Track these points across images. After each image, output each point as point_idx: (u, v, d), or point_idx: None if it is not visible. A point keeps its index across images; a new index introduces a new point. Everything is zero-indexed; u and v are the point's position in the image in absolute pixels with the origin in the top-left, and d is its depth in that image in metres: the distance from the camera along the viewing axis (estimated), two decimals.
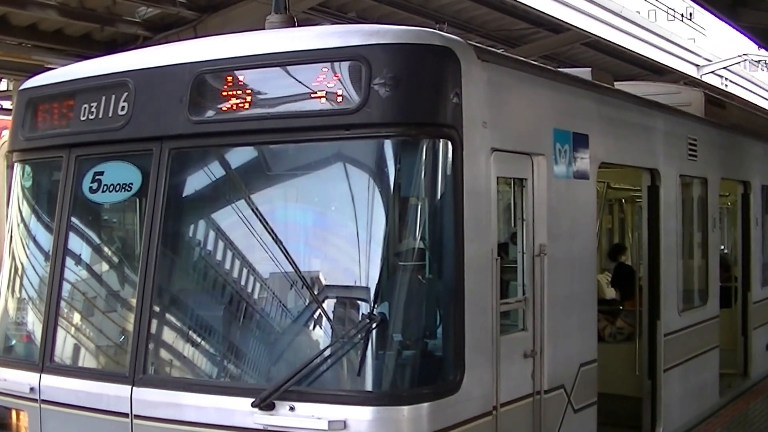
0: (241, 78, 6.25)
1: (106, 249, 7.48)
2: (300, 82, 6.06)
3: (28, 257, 7.58)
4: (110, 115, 6.74)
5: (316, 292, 6.12)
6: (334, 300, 6.12)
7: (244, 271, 6.49)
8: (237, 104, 6.23)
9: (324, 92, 5.95)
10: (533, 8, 21.04)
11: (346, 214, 6.20)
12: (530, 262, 7.04)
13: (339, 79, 5.93)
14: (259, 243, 6.24)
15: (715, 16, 13.88)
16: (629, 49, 27.05)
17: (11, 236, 7.59)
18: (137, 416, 6.27)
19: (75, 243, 7.15)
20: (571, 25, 22.97)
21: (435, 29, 6.52)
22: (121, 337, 6.83)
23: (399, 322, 5.93)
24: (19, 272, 7.56)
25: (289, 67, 6.16)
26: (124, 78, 6.73)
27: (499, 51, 7.52)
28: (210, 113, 6.39)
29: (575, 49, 25.59)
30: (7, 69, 20.01)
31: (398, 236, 6.06)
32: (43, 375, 6.78)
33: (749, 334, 12.84)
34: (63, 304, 7.00)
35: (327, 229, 6.38)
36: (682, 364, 9.88)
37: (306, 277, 6.15)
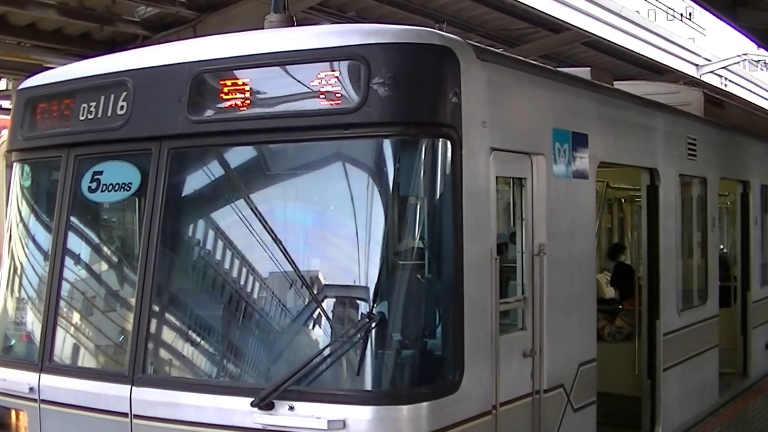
0: (240, 77, 6.25)
1: (105, 249, 7.47)
2: (299, 81, 6.06)
3: (27, 257, 7.58)
4: (109, 114, 6.74)
5: (315, 292, 6.12)
6: (334, 299, 6.12)
7: (244, 270, 6.49)
8: (236, 104, 6.23)
9: (323, 92, 5.95)
10: (533, 8, 21.03)
11: (345, 214, 6.20)
12: (529, 261, 7.05)
13: (338, 79, 5.93)
14: (258, 242, 6.23)
15: (715, 15, 13.88)
16: (629, 49, 27.04)
17: (10, 236, 7.58)
18: (136, 416, 6.26)
19: (74, 243, 7.15)
20: (571, 24, 22.96)
21: (435, 29, 6.52)
22: (120, 336, 6.83)
23: (398, 322, 5.93)
24: (19, 272, 7.56)
25: (288, 67, 6.15)
26: (123, 77, 6.73)
27: (498, 50, 7.51)
28: (209, 113, 6.39)
29: (575, 49, 25.59)
30: (6, 68, 19.99)
31: (397, 236, 6.06)
32: (42, 375, 6.78)
33: (748, 334, 12.84)
34: (62, 303, 7.00)
35: (326, 229, 6.38)
36: (682, 363, 9.89)
37: (305, 277, 6.15)
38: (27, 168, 7.61)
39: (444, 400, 5.92)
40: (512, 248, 7.27)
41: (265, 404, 5.75)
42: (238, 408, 5.87)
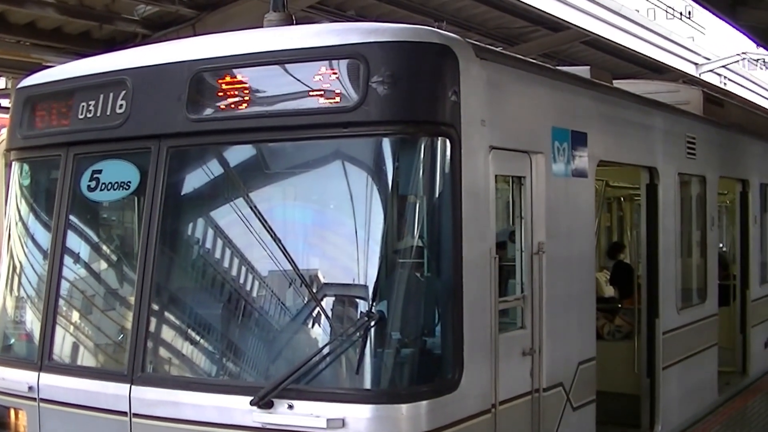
0: (239, 76, 6.25)
1: (104, 247, 7.47)
2: (298, 80, 6.06)
3: (26, 256, 7.58)
4: (108, 113, 6.73)
5: (314, 291, 6.12)
6: (333, 298, 6.12)
7: (243, 269, 6.49)
8: (235, 102, 6.23)
9: (322, 90, 5.95)
10: (532, 6, 21.01)
11: (344, 213, 6.20)
12: (529, 260, 7.04)
13: (337, 77, 5.93)
14: (257, 241, 6.23)
15: (714, 14, 13.88)
16: (628, 48, 27.04)
17: (9, 235, 7.58)
18: (136, 415, 6.26)
19: (73, 241, 7.15)
20: (571, 23, 22.95)
21: (434, 27, 6.51)
22: (119, 335, 6.83)
23: (397, 321, 5.93)
24: (18, 271, 7.56)
25: (287, 65, 6.15)
26: (122, 76, 6.73)
27: (497, 49, 7.51)
28: (208, 111, 6.38)
29: (574, 48, 25.58)
30: (5, 67, 19.97)
31: (396, 234, 6.06)
32: (41, 374, 6.77)
33: (747, 332, 12.85)
34: (61, 302, 7.00)
35: (325, 228, 6.38)
36: (681, 362, 9.89)
37: (304, 276, 6.15)
38: (26, 167, 7.61)
39: (443, 398, 5.91)
40: (511, 247, 7.26)
41: (264, 403, 5.75)
42: (238, 407, 5.87)
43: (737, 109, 13.75)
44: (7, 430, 6.95)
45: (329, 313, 6.05)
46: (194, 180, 6.78)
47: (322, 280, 6.20)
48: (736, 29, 14.56)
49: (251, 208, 6.29)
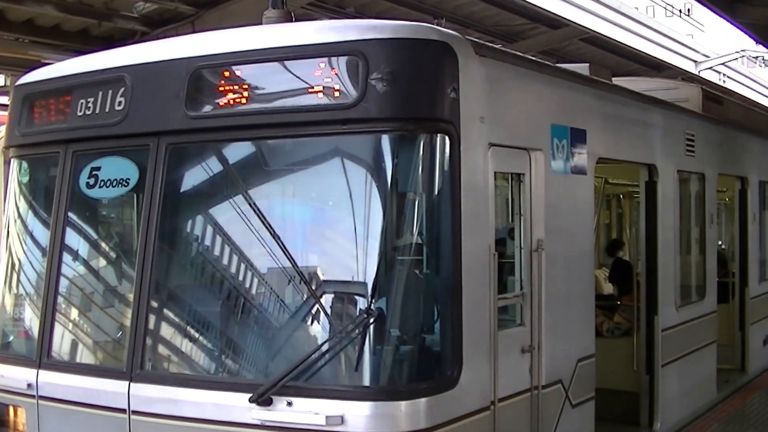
0: (238, 73, 6.25)
1: (103, 244, 7.47)
2: (297, 76, 6.05)
3: (25, 253, 7.57)
4: (107, 110, 6.73)
5: (313, 288, 6.12)
6: (332, 295, 6.12)
7: (242, 266, 6.49)
8: (234, 99, 6.22)
9: (321, 87, 5.94)
10: (532, 4, 21.00)
11: (343, 210, 6.20)
12: (528, 257, 7.04)
13: (336, 74, 5.93)
14: (256, 238, 6.23)
15: (714, 12, 13.89)
16: (627, 45, 27.04)
17: (8, 232, 7.58)
18: (135, 412, 6.26)
19: (72, 239, 7.14)
20: (570, 20, 22.94)
21: (433, 24, 6.51)
22: (118, 332, 6.83)
23: (396, 318, 5.93)
24: (16, 268, 7.55)
25: (286, 62, 6.15)
26: (121, 73, 6.72)
27: (497, 46, 7.51)
28: (207, 108, 6.38)
29: (573, 45, 25.56)
30: (4, 64, 19.95)
31: (396, 231, 6.06)
32: (40, 371, 6.77)
33: (746, 330, 12.86)
34: (60, 300, 6.99)
35: (324, 225, 6.37)
36: (680, 359, 9.90)
37: (303, 273, 6.15)
38: (25, 164, 7.60)
39: (442, 395, 5.91)
40: (510, 244, 7.26)
41: (263, 400, 5.75)
42: (237, 404, 5.87)
43: (736, 106, 13.75)
44: (6, 427, 6.95)
45: (328, 310, 6.05)
46: (193, 177, 6.77)
47: (321, 277, 6.19)
48: (735, 26, 14.57)
49: (250, 205, 6.28)
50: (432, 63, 6.09)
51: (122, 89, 6.66)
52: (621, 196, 16.14)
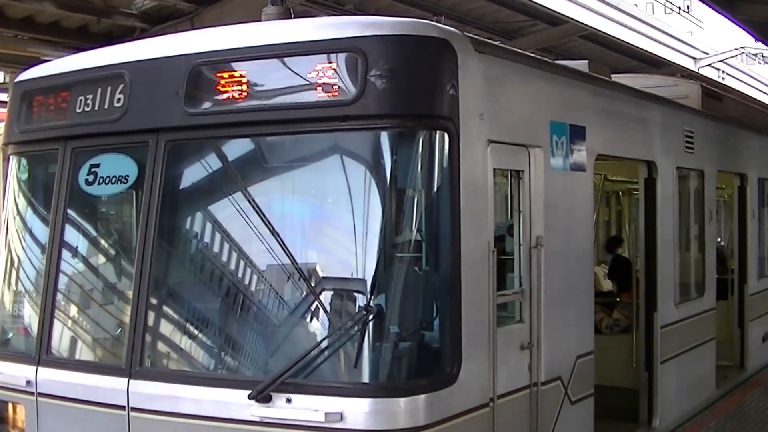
0: (237, 70, 6.24)
1: (102, 241, 7.47)
2: (296, 73, 6.05)
3: (24, 250, 7.57)
4: (106, 107, 6.72)
5: (313, 284, 6.11)
6: (331, 292, 6.12)
7: (241, 263, 6.49)
8: (233, 96, 6.22)
9: (320, 84, 5.94)
10: (531, 1, 21.01)
11: (342, 206, 6.19)
12: (527, 254, 7.04)
13: (335, 71, 5.92)
14: (255, 235, 6.23)
15: (713, 9, 13.89)
16: (627, 42, 27.06)
17: (7, 229, 7.58)
18: (134, 409, 6.26)
19: (71, 235, 7.14)
20: (569, 17, 22.96)
21: (432, 21, 6.50)
22: (117, 329, 6.82)
23: (396, 314, 5.93)
24: (16, 265, 7.55)
25: (285, 59, 6.14)
26: (120, 70, 6.71)
27: (496, 43, 7.50)
28: (206, 105, 6.37)
29: (573, 42, 25.58)
30: (2, 61, 19.98)
31: (395, 228, 6.06)
32: (39, 368, 6.77)
33: (745, 326, 12.86)
34: (59, 296, 6.99)
35: (323, 221, 6.37)
36: (679, 356, 9.90)
37: (303, 269, 6.14)
38: (24, 161, 7.60)
39: (441, 392, 5.91)
40: (510, 241, 7.26)
41: (262, 397, 5.75)
42: (236, 401, 5.87)
43: (735, 103, 13.75)
44: (5, 424, 6.95)
45: (327, 307, 6.04)
46: (192, 174, 6.77)
47: (321, 274, 6.19)
48: (735, 23, 14.56)
49: (249, 202, 6.28)
50: (431, 60, 6.09)
51: (121, 86, 6.66)
52: (620, 193, 16.13)
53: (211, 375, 6.30)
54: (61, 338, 7.02)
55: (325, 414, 5.64)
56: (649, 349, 9.45)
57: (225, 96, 6.24)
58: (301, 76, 6.02)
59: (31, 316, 7.22)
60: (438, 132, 6.04)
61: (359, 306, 5.89)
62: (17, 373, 6.86)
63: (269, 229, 6.14)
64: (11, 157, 7.61)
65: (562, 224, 7.50)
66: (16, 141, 7.51)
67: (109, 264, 7.33)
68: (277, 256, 6.14)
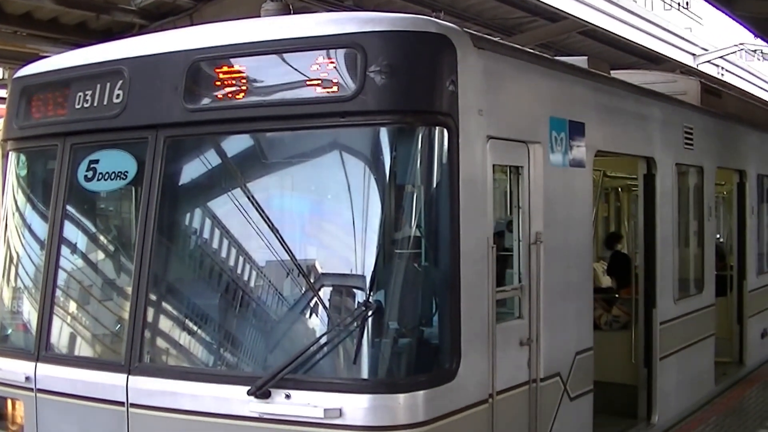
0: (236, 66, 6.23)
1: (101, 237, 7.46)
2: (296, 69, 6.04)
3: (23, 246, 7.57)
4: (105, 103, 6.72)
5: (312, 281, 6.11)
6: (330, 288, 6.12)
7: (240, 259, 6.49)
8: (232, 92, 6.21)
9: (320, 80, 5.94)
10: None
11: (341, 202, 6.19)
12: (526, 250, 7.04)
13: (335, 67, 5.92)
14: (254, 231, 6.23)
15: (712, 5, 13.86)
16: (626, 38, 26.99)
17: (6, 225, 7.57)
18: (133, 405, 6.26)
19: (70, 232, 7.14)
20: (568, 13, 22.91)
21: (431, 17, 6.50)
22: (116, 325, 6.83)
23: (395, 310, 5.93)
24: (15, 261, 7.55)
25: (284, 55, 6.14)
26: (119, 66, 6.71)
27: (495, 39, 7.50)
28: (205, 101, 6.37)
29: (572, 38, 25.53)
30: (1, 57, 19.92)
31: (394, 224, 6.06)
32: (38, 364, 6.77)
33: (744, 323, 12.88)
34: (58, 293, 6.99)
35: (323, 217, 6.37)
36: (678, 352, 9.91)
37: (302, 266, 6.14)
38: (23, 157, 7.60)
39: (440, 388, 5.92)
40: (509, 237, 7.26)
41: (261, 393, 5.75)
42: (235, 397, 5.87)
43: (735, 99, 13.75)
44: (4, 420, 6.95)
45: (327, 303, 6.04)
46: (191, 170, 6.77)
47: (320, 270, 6.19)
48: (734, 20, 14.53)
49: (248, 198, 6.28)
50: (430, 56, 6.08)
51: (120, 82, 6.65)
52: (619, 189, 16.14)
53: (211, 371, 6.30)
54: (60, 334, 7.02)
55: (324, 410, 5.64)
56: (648, 345, 9.46)
57: (224, 92, 6.24)
58: (300, 72, 6.02)
59: (30, 312, 7.22)
60: (437, 128, 6.03)
61: (358, 302, 5.89)
62: (16, 369, 6.86)
63: (269, 225, 6.14)
64: (10, 153, 7.60)
65: (562, 220, 7.50)
66: (15, 137, 7.51)
67: (108, 260, 7.32)
68: (277, 252, 6.14)
